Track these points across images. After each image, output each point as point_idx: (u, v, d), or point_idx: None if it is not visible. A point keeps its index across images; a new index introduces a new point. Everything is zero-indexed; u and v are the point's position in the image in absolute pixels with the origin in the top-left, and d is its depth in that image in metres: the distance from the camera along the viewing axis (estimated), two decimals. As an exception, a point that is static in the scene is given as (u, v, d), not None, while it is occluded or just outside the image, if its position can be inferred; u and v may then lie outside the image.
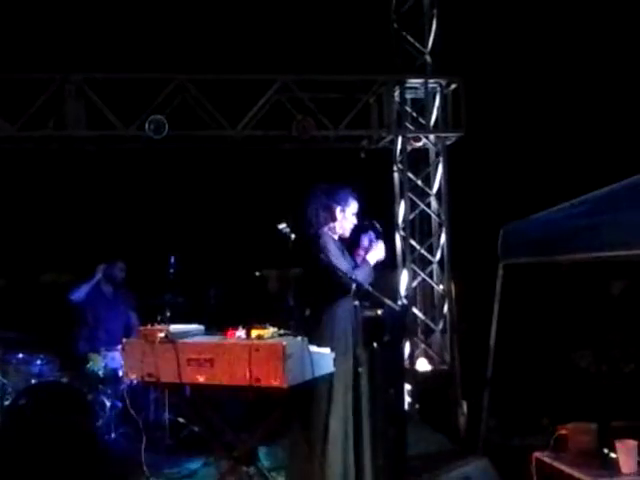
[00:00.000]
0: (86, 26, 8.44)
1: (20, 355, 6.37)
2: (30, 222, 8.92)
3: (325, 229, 4.87)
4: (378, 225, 5.05)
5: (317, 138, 8.15)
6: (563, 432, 4.67)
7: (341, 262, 4.71)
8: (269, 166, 8.79)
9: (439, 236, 8.45)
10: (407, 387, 7.54)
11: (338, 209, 4.90)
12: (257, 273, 7.59)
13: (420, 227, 8.51)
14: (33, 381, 6.24)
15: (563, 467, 4.42)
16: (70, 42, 8.36)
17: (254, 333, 4.15)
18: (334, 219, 4.89)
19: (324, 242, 4.75)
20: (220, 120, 7.94)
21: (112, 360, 6.46)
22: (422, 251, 8.42)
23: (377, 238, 5.00)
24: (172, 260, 6.59)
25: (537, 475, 4.63)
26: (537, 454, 4.70)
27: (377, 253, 4.92)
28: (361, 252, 4.99)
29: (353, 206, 4.96)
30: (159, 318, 5.30)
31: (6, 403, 6.05)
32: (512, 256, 5.82)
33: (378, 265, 4.98)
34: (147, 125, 7.60)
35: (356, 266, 4.83)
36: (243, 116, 7.98)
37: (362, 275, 4.72)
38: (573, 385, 6.98)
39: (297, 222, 4.75)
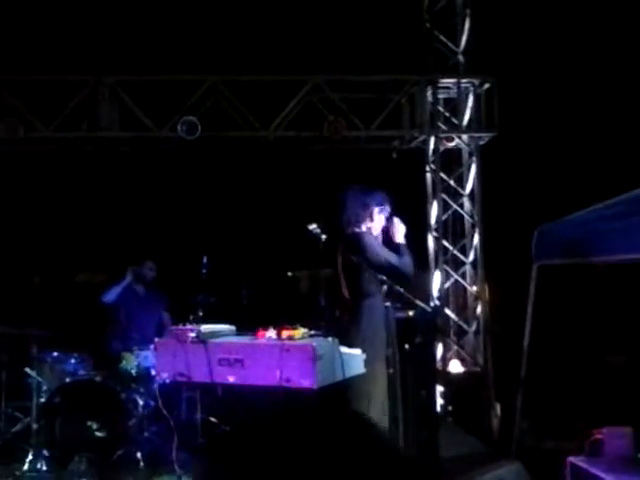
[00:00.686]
0: (119, 29, 8.52)
1: (55, 354, 6.42)
2: (66, 222, 9.02)
3: (364, 228, 4.91)
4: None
5: (348, 138, 8.14)
6: (598, 436, 4.60)
7: (391, 255, 4.78)
8: (300, 167, 8.79)
9: (472, 237, 8.38)
10: (439, 389, 7.49)
11: (376, 210, 4.95)
12: (289, 274, 7.61)
13: (453, 228, 8.45)
14: (67, 379, 6.28)
15: (599, 472, 4.35)
16: (103, 45, 8.44)
17: (285, 334, 4.16)
18: (372, 219, 4.95)
19: (368, 240, 4.82)
20: (252, 121, 7.96)
21: (145, 359, 6.48)
22: (455, 252, 8.36)
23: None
24: (205, 260, 6.60)
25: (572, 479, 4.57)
26: (572, 459, 4.63)
27: (401, 229, 4.98)
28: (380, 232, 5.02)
29: (387, 209, 5.01)
30: (191, 318, 5.31)
31: (41, 401, 6.12)
32: (546, 257, 5.75)
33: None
34: (180, 126, 7.65)
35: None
36: (275, 117, 8.00)
37: (408, 261, 4.83)
38: (608, 388, 6.87)
39: (330, 222, 4.76)
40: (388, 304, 4.57)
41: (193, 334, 4.24)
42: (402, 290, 4.44)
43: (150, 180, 8.75)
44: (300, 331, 4.19)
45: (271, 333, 4.23)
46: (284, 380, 3.99)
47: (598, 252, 5.21)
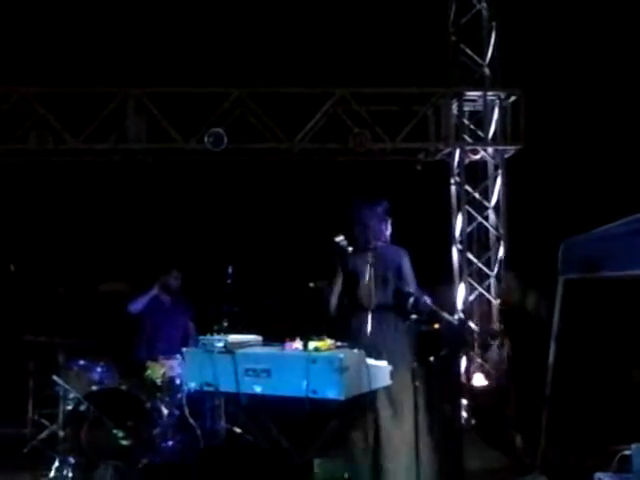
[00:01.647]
0: (147, 41, 8.61)
1: (82, 362, 6.49)
2: (90, 233, 9.11)
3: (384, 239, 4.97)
4: None
5: (373, 151, 8.17)
6: (626, 452, 4.55)
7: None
8: (325, 179, 8.82)
9: (497, 250, 8.36)
10: (463, 402, 7.45)
11: (389, 222, 5.00)
12: (310, 284, 7.60)
13: (477, 241, 8.44)
14: (94, 388, 6.35)
15: (626, 488, 4.31)
16: (132, 57, 8.54)
17: (311, 345, 4.17)
18: (388, 230, 5.03)
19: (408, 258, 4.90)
20: (277, 133, 8.02)
21: (170, 369, 6.52)
22: (479, 265, 8.34)
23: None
24: (230, 270, 6.64)
25: (599, 496, 4.53)
26: (599, 474, 4.59)
27: None
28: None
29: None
30: (215, 328, 5.34)
31: (68, 408, 6.18)
32: (572, 271, 5.72)
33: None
34: (207, 138, 7.72)
35: None
36: (300, 129, 8.05)
37: None
38: (634, 403, 6.80)
39: (352, 234, 4.81)
40: (414, 316, 4.59)
41: (221, 344, 4.27)
42: (429, 302, 4.45)
43: (176, 191, 8.82)
44: (327, 342, 4.20)
45: (298, 344, 4.25)
46: (311, 391, 4.00)
47: (624, 266, 5.19)
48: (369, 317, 4.72)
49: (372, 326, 4.69)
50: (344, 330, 4.73)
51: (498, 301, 8.29)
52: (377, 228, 4.91)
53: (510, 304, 7.48)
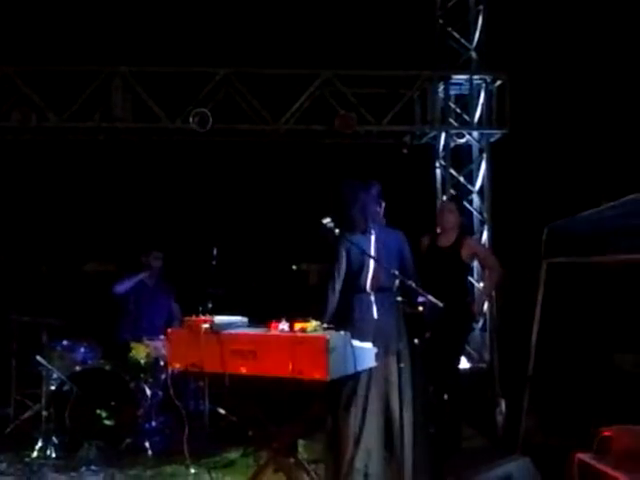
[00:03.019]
0: (133, 20, 8.53)
1: (65, 342, 6.48)
2: (74, 212, 9.05)
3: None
4: None
5: (359, 133, 8.16)
6: (607, 433, 4.61)
7: None
8: (310, 160, 8.80)
9: (481, 234, 8.39)
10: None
11: (383, 204, 4.97)
12: (293, 267, 7.60)
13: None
14: (77, 368, 6.33)
15: (607, 469, 4.36)
16: (117, 36, 8.45)
17: (297, 326, 4.18)
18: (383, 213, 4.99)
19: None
20: (263, 114, 7.99)
21: (154, 349, 6.53)
22: (463, 248, 8.36)
23: None
24: (214, 252, 6.63)
25: (579, 476, 4.58)
26: (580, 455, 4.64)
27: None
28: None
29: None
30: (200, 309, 5.33)
31: (51, 389, 6.17)
32: (556, 255, 5.75)
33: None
34: (192, 118, 7.68)
35: None
36: (286, 110, 8.02)
37: None
38: (615, 387, 6.89)
39: (342, 215, 4.77)
40: (400, 298, 4.59)
41: (207, 325, 4.27)
42: (414, 285, 4.46)
43: (161, 171, 8.77)
44: (312, 324, 4.21)
45: (283, 325, 4.25)
46: (296, 372, 4.02)
47: (608, 250, 5.21)
48: (372, 300, 4.71)
49: (377, 309, 4.68)
50: (342, 314, 4.69)
51: (481, 284, 8.32)
52: (374, 210, 4.85)
53: None
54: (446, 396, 5.90)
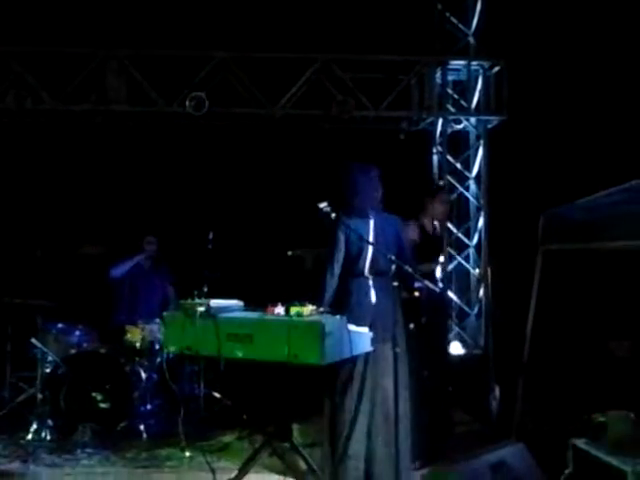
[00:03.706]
0: (129, 2, 8.45)
1: (60, 325, 6.48)
2: (69, 195, 9.00)
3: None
4: None
5: (356, 118, 8.12)
6: (601, 419, 4.63)
7: None
8: (307, 145, 8.77)
9: (477, 220, 8.40)
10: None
11: (381, 189, 4.93)
12: (288, 253, 7.58)
13: (458, 210, 8.46)
14: (72, 351, 6.34)
15: (600, 455, 4.39)
16: (113, 18, 8.37)
17: (293, 310, 4.18)
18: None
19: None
20: (260, 98, 7.95)
21: (149, 333, 6.54)
22: (459, 234, 8.38)
23: None
24: (210, 236, 6.62)
25: (574, 462, 4.60)
26: (574, 441, 4.66)
27: None
28: None
29: None
30: (196, 293, 5.34)
31: (46, 371, 6.17)
32: (552, 242, 5.75)
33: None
34: (188, 102, 7.64)
35: None
36: (283, 95, 7.98)
37: None
38: (610, 374, 6.91)
39: (341, 198, 4.74)
40: (396, 283, 4.59)
41: (202, 308, 4.26)
42: (410, 270, 4.45)
43: (157, 155, 8.71)
44: (309, 308, 4.21)
45: (280, 309, 4.25)
46: (292, 356, 4.01)
47: (604, 237, 5.21)
48: (371, 284, 4.70)
49: (375, 293, 4.67)
50: (339, 298, 4.67)
51: (477, 271, 8.35)
52: (372, 195, 4.81)
53: None
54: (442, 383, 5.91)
